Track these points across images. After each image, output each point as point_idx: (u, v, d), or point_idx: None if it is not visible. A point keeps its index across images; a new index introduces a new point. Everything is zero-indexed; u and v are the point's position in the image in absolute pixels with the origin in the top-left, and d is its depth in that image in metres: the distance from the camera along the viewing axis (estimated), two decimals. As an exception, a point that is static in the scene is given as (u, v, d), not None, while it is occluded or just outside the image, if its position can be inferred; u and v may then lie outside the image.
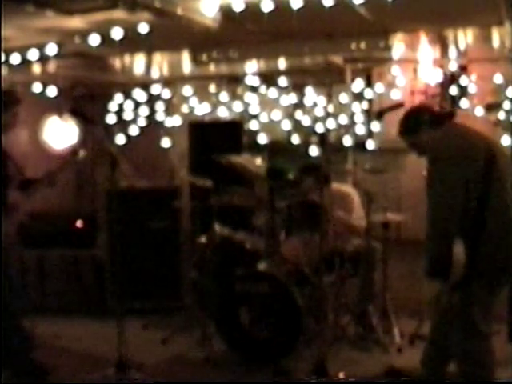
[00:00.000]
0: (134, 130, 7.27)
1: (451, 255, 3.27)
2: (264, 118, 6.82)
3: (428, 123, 3.65)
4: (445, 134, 3.58)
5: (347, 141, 6.39)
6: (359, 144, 6.39)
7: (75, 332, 5.78)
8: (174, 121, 7.15)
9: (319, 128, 6.56)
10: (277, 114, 6.76)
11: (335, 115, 6.49)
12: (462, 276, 3.29)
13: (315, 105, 6.62)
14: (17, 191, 4.30)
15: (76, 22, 4.65)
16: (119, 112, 7.29)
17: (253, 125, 6.84)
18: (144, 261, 6.37)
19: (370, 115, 6.40)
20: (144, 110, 7.20)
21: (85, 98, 7.36)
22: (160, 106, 7.18)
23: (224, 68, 6.34)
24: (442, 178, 3.36)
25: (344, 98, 6.45)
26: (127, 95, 7.21)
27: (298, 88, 6.67)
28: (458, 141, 3.48)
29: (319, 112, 6.59)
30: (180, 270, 6.44)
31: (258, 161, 5.58)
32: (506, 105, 5.84)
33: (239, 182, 5.71)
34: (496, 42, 5.20)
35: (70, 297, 6.64)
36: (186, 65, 6.15)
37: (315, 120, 6.62)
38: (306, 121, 6.67)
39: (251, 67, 6.37)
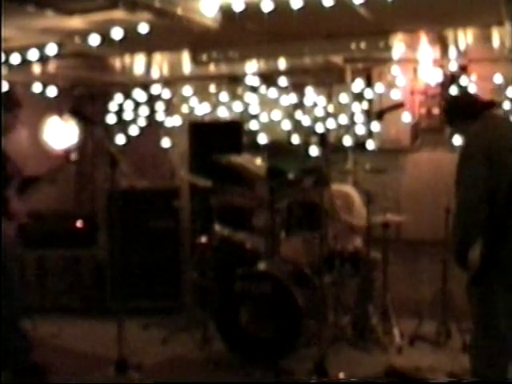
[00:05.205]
0: (133, 130, 7.26)
1: (467, 249, 3.27)
2: (264, 118, 6.81)
3: (464, 115, 3.65)
4: (477, 128, 3.54)
5: (347, 141, 6.38)
6: (359, 144, 6.38)
7: (75, 332, 5.79)
8: (174, 121, 7.14)
9: (319, 128, 6.54)
10: (277, 114, 6.74)
11: (335, 115, 6.48)
12: (480, 271, 3.28)
13: (315, 105, 6.60)
14: (16, 193, 4.29)
15: (76, 22, 4.65)
16: (119, 112, 7.28)
17: (253, 125, 6.83)
18: (144, 261, 6.38)
19: (370, 115, 6.38)
20: (144, 110, 7.19)
21: (85, 97, 7.36)
22: (160, 106, 7.17)
23: (224, 68, 6.33)
24: (469, 174, 3.36)
25: (344, 97, 6.44)
26: (127, 95, 7.21)
27: (298, 88, 6.65)
28: (488, 137, 3.44)
29: (319, 112, 6.57)
30: (180, 270, 6.45)
31: (258, 161, 5.58)
32: (506, 105, 5.83)
33: (239, 182, 5.71)
34: (496, 42, 5.19)
35: (70, 297, 6.65)
36: (186, 65, 6.14)
37: (315, 120, 6.60)
38: (306, 121, 6.65)
39: (251, 67, 6.36)
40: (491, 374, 3.39)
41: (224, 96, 6.96)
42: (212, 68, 6.26)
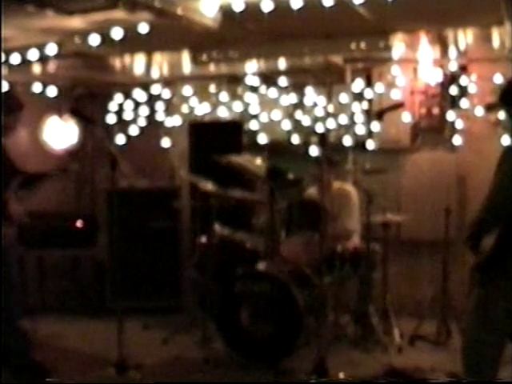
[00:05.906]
0: (133, 130, 7.26)
1: (482, 235, 3.26)
2: (264, 117, 6.81)
3: None
4: None
5: (347, 141, 6.39)
6: (359, 144, 6.38)
7: (75, 332, 5.79)
8: (174, 121, 7.14)
9: (319, 128, 6.54)
10: (277, 114, 6.74)
11: (335, 115, 6.48)
12: (488, 260, 3.26)
13: (315, 105, 6.60)
14: (18, 191, 4.30)
15: (76, 22, 4.65)
16: (119, 112, 7.28)
17: (253, 125, 6.83)
18: (144, 261, 6.38)
19: (370, 115, 6.38)
20: (144, 110, 7.20)
21: (85, 97, 7.35)
22: (160, 106, 7.17)
23: (224, 68, 6.34)
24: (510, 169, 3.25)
25: (344, 97, 6.44)
26: (127, 95, 7.21)
27: (298, 88, 6.66)
28: None
29: (319, 112, 6.57)
30: (180, 270, 6.45)
31: (258, 161, 5.57)
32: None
33: (239, 183, 5.71)
34: (496, 42, 5.20)
35: (70, 297, 6.66)
36: (186, 65, 6.14)
37: (315, 120, 6.61)
38: (306, 121, 6.65)
39: (251, 67, 6.36)
40: (481, 363, 3.37)
41: (224, 96, 6.96)
42: (212, 68, 6.26)
